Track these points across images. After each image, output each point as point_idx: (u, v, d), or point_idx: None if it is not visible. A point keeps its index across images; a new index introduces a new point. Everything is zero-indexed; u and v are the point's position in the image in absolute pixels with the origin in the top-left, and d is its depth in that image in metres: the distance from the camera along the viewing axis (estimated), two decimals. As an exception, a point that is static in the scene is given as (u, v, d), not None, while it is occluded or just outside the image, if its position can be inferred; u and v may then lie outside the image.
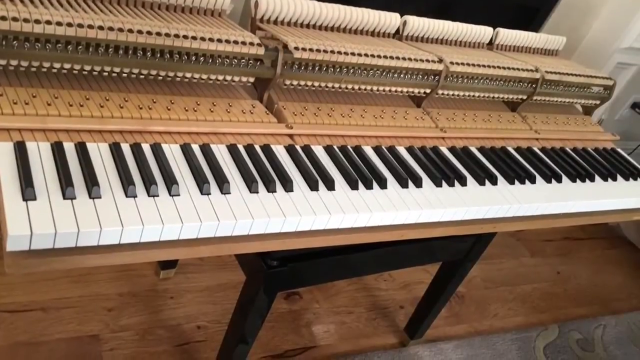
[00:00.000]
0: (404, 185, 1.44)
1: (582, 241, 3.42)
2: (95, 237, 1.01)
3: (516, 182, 1.64)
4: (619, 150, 2.08)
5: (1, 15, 1.10)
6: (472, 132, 1.77)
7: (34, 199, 1.00)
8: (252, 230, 1.18)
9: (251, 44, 1.37)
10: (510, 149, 1.79)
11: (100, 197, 1.06)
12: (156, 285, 2.17)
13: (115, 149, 1.17)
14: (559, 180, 1.74)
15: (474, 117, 1.81)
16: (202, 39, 1.31)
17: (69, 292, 2.01)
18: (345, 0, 1.74)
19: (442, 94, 1.74)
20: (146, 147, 1.22)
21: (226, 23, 1.46)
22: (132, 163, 1.17)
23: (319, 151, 1.44)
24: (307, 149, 1.42)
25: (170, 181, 1.14)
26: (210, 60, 1.34)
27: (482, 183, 1.58)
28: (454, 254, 1.90)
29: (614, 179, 1.88)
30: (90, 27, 1.18)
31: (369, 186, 1.38)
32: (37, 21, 1.13)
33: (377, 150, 1.53)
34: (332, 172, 1.37)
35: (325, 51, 1.47)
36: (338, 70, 1.52)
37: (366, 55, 1.53)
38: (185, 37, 1.28)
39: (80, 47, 1.19)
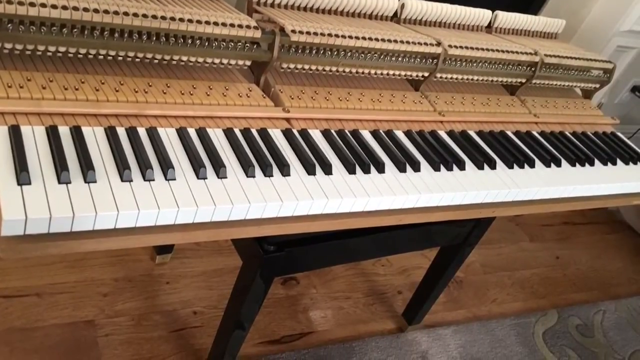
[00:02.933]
0: (401, 169, 1.43)
1: (581, 226, 3.42)
2: (90, 222, 1.00)
3: (515, 166, 1.63)
4: (619, 134, 2.07)
5: (-6, -3, 1.09)
6: (470, 115, 1.76)
7: (29, 183, 0.99)
8: (249, 214, 1.17)
9: (248, 26, 1.36)
10: (509, 132, 1.78)
11: (95, 182, 1.05)
12: (152, 270, 2.17)
13: (111, 133, 1.17)
14: (558, 165, 1.73)
15: (472, 101, 1.80)
16: (199, 21, 1.29)
17: (64, 277, 2.01)
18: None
19: (441, 77, 1.73)
20: (142, 131, 1.21)
21: (222, 6, 1.45)
22: (127, 147, 1.16)
23: (316, 135, 1.43)
24: (304, 133, 1.41)
25: (166, 165, 1.13)
26: (207, 44, 1.33)
27: (480, 167, 1.57)
28: (453, 238, 1.90)
29: (614, 163, 1.87)
30: (86, 9, 1.17)
31: (366, 170, 1.37)
32: (32, 4, 1.12)
33: (375, 134, 1.53)
34: (329, 156, 1.36)
35: (322, 34, 1.46)
36: (335, 53, 1.51)
37: (364, 38, 1.52)
38: (181, 20, 1.27)
39: (75, 30, 1.18)
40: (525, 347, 2.41)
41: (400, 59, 1.61)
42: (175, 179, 1.13)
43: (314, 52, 1.48)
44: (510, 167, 1.62)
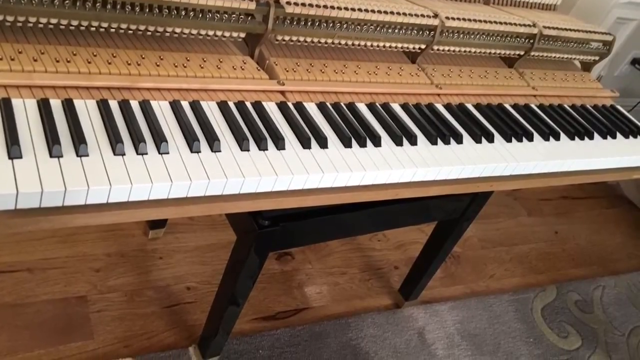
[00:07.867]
0: (398, 143, 1.42)
1: (580, 200, 3.41)
2: (82, 196, 0.99)
3: (513, 139, 1.62)
4: (619, 107, 2.06)
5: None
6: (468, 88, 1.74)
7: (20, 157, 0.98)
8: (243, 189, 1.16)
9: (242, -2, 1.34)
10: (507, 105, 1.77)
11: (87, 155, 1.04)
12: (145, 245, 2.17)
13: (103, 106, 1.15)
14: (557, 138, 1.72)
15: (470, 73, 1.79)
16: (192, -8, 1.28)
17: (56, 253, 2.01)
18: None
19: (438, 49, 1.71)
20: (135, 104, 1.20)
21: (216, -23, 1.43)
22: (120, 120, 1.15)
23: (312, 108, 1.42)
24: (299, 106, 1.39)
25: (160, 139, 1.12)
26: (200, 15, 1.31)
27: (478, 141, 1.55)
28: (450, 213, 1.89)
29: (613, 137, 1.86)
30: (77, -20, 1.15)
31: (362, 144, 1.36)
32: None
33: (371, 107, 1.51)
34: (325, 130, 1.35)
35: (317, 6, 1.43)
36: (331, 25, 1.49)
37: (360, 10, 1.50)
38: (174, -9, 1.26)
39: (67, 1, 1.17)
40: (524, 323, 2.41)
41: (396, 31, 1.59)
42: (168, 153, 1.12)
43: (309, 24, 1.46)
44: (509, 140, 1.61)
